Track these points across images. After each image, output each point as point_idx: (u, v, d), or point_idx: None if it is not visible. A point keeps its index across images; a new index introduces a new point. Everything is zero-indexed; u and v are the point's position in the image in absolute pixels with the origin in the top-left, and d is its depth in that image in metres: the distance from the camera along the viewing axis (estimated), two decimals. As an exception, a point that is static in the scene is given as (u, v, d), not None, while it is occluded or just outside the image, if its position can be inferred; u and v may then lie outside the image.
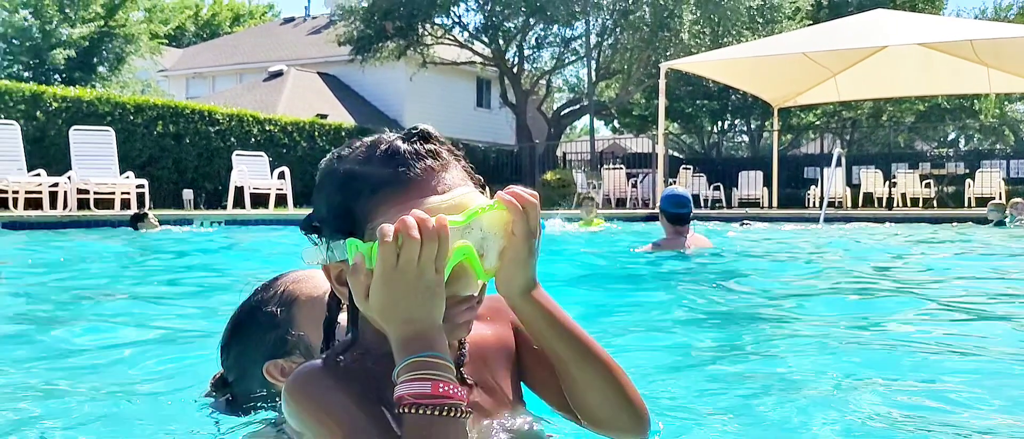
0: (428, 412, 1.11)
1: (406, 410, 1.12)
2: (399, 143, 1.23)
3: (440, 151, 1.24)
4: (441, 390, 1.12)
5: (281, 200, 14.72)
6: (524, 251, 1.24)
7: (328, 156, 1.33)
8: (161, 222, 10.09)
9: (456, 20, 27.92)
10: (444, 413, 1.12)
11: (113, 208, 12.31)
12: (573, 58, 29.48)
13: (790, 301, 4.07)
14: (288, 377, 1.29)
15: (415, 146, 1.23)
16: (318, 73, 32.80)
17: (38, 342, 2.98)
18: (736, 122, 36.46)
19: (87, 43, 22.79)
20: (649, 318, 3.60)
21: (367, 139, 1.28)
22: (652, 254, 5.86)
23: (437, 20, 27.50)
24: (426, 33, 27.32)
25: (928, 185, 20.34)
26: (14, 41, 22.50)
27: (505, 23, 26.62)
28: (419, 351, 1.14)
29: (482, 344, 1.38)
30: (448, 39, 28.14)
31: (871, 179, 20.36)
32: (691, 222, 5.91)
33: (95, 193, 12.37)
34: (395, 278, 1.14)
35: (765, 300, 4.16)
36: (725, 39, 23.91)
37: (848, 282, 5.08)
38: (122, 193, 12.66)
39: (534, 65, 29.27)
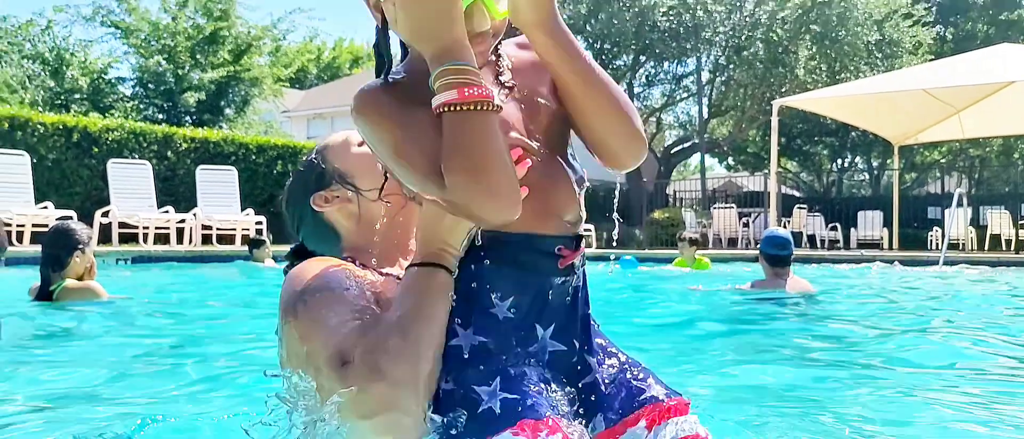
0: (459, 109, 1.32)
1: (442, 113, 1.34)
2: None
3: None
4: (466, 94, 1.32)
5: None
6: None
7: None
8: (277, 258, 10.51)
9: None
10: (472, 108, 1.32)
11: (234, 243, 12.91)
12: (685, 95, 29.25)
13: (883, 349, 3.96)
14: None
15: None
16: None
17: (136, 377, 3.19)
18: (857, 160, 35.36)
19: (215, 87, 23.99)
20: (738, 357, 3.57)
21: None
22: (750, 292, 5.77)
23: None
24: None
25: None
26: (150, 85, 23.89)
27: (615, 61, 26.70)
28: (445, 62, 1.34)
29: (527, 62, 1.56)
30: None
31: (998, 220, 19.37)
32: (791, 265, 5.80)
33: (218, 229, 13.00)
34: (413, 4, 1.35)
35: (853, 347, 4.05)
36: (842, 75, 23.29)
37: (949, 330, 4.88)
38: (243, 229, 13.26)
39: (644, 102, 29.21)
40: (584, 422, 1.48)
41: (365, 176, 1.80)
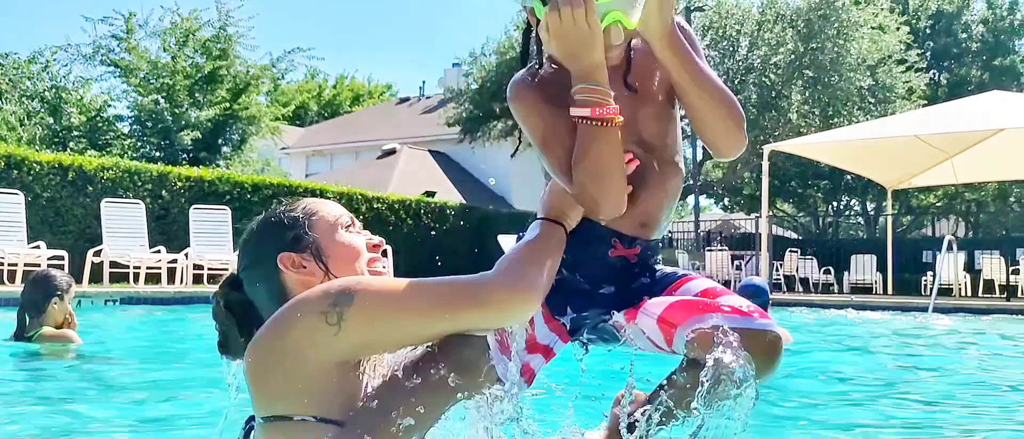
0: (590, 123, 1.77)
1: (576, 122, 1.80)
2: None
3: None
4: (597, 113, 1.77)
5: (384, 277, 15.12)
6: (655, 8, 1.78)
7: None
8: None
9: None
10: (600, 125, 1.77)
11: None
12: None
13: (859, 402, 3.98)
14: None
15: None
16: (429, 151, 33.75)
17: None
18: (852, 202, 35.45)
19: (212, 125, 24.13)
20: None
21: None
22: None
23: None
24: (533, 113, 27.81)
25: (1056, 273, 19.22)
26: (147, 123, 24.02)
27: (611, 104, 26.89)
28: (585, 81, 1.77)
29: (650, 63, 1.93)
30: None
31: (992, 265, 19.40)
32: (768, 311, 5.81)
33: (209, 269, 13.03)
34: (562, 31, 1.74)
35: (824, 401, 4.07)
36: (835, 120, 23.45)
37: (931, 383, 4.91)
38: (234, 269, 13.28)
39: (640, 145, 29.34)
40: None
41: (339, 263, 1.79)
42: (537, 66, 1.90)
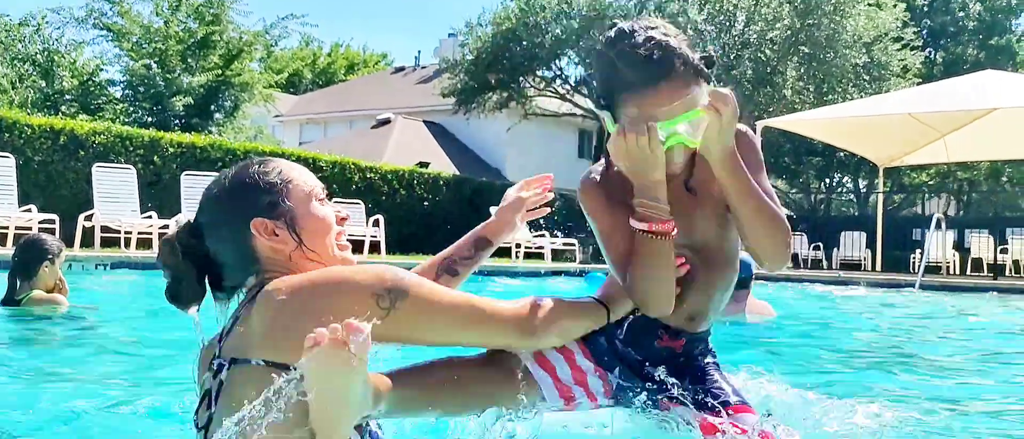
0: (646, 234, 1.92)
1: (635, 232, 1.94)
2: (648, 61, 1.85)
3: (676, 69, 1.86)
4: (654, 228, 1.92)
5: (375, 247, 15.16)
6: (714, 135, 1.87)
7: (608, 31, 1.96)
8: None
9: (557, 73, 28.29)
10: (656, 237, 1.92)
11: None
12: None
13: (830, 379, 4.03)
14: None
15: (655, 65, 1.84)
16: (424, 121, 33.68)
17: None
18: (845, 179, 35.53)
19: (204, 91, 24.04)
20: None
21: (634, 34, 1.89)
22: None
23: (539, 73, 27.92)
24: (528, 85, 27.77)
25: (1044, 252, 19.35)
26: (139, 88, 23.92)
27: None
28: (646, 196, 1.92)
29: (709, 171, 2.02)
30: (550, 91, 28.52)
31: (981, 244, 19.52)
32: (751, 287, 5.85)
33: (201, 235, 13.03)
34: (627, 152, 1.88)
35: (800, 375, 4.12)
36: (830, 96, 23.46)
37: (920, 359, 4.96)
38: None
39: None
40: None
41: (312, 235, 1.80)
42: (606, 167, 2.05)
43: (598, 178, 2.07)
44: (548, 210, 2.50)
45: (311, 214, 1.82)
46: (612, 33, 1.93)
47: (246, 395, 1.50)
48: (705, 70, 1.92)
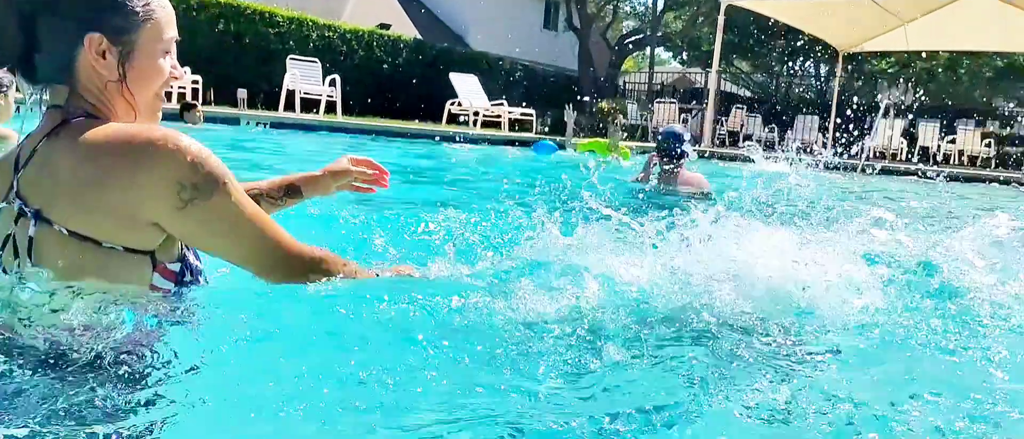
0: None
1: None
2: None
3: None
4: None
5: (331, 107, 15.10)
6: None
7: None
8: (209, 119, 10.52)
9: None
10: None
11: (170, 101, 12.81)
12: (642, -14, 29.06)
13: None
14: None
15: None
16: (387, -18, 32.87)
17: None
18: (808, 64, 35.61)
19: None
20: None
21: None
22: (632, 185, 6.03)
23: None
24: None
25: (988, 144, 19.81)
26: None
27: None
28: None
29: None
30: (517, -43, 27.92)
31: (928, 133, 19.93)
32: (683, 160, 6.04)
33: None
34: None
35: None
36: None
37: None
38: (178, 87, 13.14)
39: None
40: None
41: (139, 79, 1.67)
42: None
43: None
44: (372, 191, 2.38)
45: (149, 59, 1.66)
46: None
47: (54, 265, 1.53)
48: None
